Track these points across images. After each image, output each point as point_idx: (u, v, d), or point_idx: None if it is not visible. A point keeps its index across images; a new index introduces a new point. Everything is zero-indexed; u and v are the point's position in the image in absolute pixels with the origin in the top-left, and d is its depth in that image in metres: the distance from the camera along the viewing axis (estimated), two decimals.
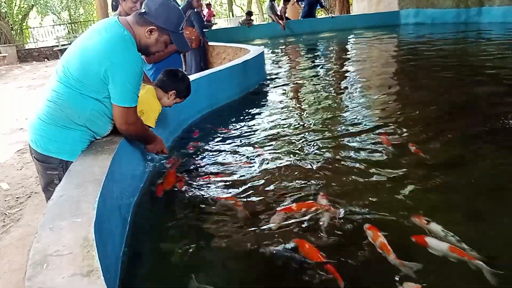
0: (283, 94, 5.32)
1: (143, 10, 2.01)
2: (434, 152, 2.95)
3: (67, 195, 1.53)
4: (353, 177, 2.61)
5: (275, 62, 8.55)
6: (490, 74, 5.53)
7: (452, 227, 2.02)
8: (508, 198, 2.29)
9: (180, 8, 2.18)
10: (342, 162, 2.85)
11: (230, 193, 2.48)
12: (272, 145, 3.32)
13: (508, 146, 2.97)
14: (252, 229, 2.07)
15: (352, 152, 3.05)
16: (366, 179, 2.57)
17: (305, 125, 3.86)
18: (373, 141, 3.23)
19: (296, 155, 3.03)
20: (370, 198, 2.32)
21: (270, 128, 3.80)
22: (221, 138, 3.57)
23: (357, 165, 2.79)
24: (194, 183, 2.63)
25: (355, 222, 2.08)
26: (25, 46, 20.15)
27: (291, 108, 4.58)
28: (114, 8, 3.43)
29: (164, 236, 2.12)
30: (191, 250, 1.95)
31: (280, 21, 13.03)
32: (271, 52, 10.21)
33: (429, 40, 9.72)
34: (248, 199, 2.40)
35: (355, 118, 3.90)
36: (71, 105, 1.93)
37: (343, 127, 3.70)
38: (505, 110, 3.67)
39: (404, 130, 3.44)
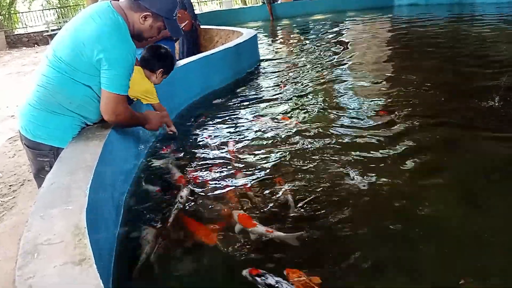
0: (277, 77, 5.28)
1: None
2: (428, 134, 2.95)
3: (58, 182, 1.51)
4: (346, 158, 2.61)
5: (268, 45, 8.47)
6: (485, 55, 5.51)
7: (447, 210, 2.03)
8: (503, 180, 2.29)
9: None
10: (336, 145, 2.84)
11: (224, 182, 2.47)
12: (266, 130, 3.30)
13: (503, 128, 2.97)
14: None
15: (346, 133, 3.04)
16: (360, 160, 2.57)
17: (299, 107, 3.83)
18: (367, 123, 3.23)
19: (290, 139, 3.02)
20: (364, 180, 2.32)
21: (264, 113, 3.77)
22: (214, 123, 3.55)
23: (351, 147, 2.79)
24: (188, 173, 2.62)
25: (348, 203, 2.08)
26: (14, 31, 19.80)
27: (284, 91, 4.54)
28: None
29: (159, 221, 2.10)
30: (186, 236, 1.94)
31: (271, 12, 12.93)
32: (264, 35, 10.11)
33: (423, 22, 9.65)
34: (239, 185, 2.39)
35: (350, 100, 3.89)
36: (61, 90, 1.89)
37: (337, 109, 3.68)
38: (500, 92, 3.66)
39: (399, 112, 3.43)
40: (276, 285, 1.52)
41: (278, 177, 2.44)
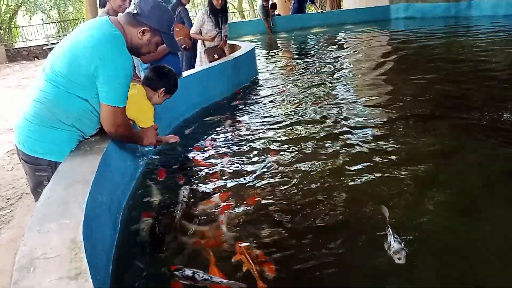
0: (275, 90, 5.30)
1: (135, 11, 2.01)
2: (425, 144, 2.98)
3: (55, 196, 1.51)
4: (344, 170, 2.62)
5: (266, 58, 8.53)
6: (480, 68, 5.56)
7: (443, 220, 2.04)
8: (499, 191, 2.30)
9: (170, 8, 2.18)
10: (334, 156, 2.85)
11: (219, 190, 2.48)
12: (264, 142, 3.31)
13: (499, 139, 2.99)
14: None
15: (345, 145, 3.06)
16: (356, 171, 2.59)
17: (297, 120, 3.84)
18: (364, 134, 3.26)
19: (288, 152, 3.03)
20: (358, 190, 2.35)
21: (262, 125, 3.79)
22: (213, 134, 3.57)
23: (349, 158, 2.81)
24: (188, 184, 2.62)
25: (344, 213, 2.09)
26: (14, 45, 19.91)
27: (282, 104, 4.56)
28: (102, 5, 3.38)
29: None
30: (184, 249, 1.94)
31: (269, 26, 13.01)
32: (263, 48, 10.19)
33: (420, 35, 9.73)
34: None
35: (347, 112, 3.91)
36: (58, 104, 1.90)
37: (336, 120, 3.71)
38: (495, 103, 3.70)
39: (396, 123, 3.46)
40: (194, 276, 1.64)
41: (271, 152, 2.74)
